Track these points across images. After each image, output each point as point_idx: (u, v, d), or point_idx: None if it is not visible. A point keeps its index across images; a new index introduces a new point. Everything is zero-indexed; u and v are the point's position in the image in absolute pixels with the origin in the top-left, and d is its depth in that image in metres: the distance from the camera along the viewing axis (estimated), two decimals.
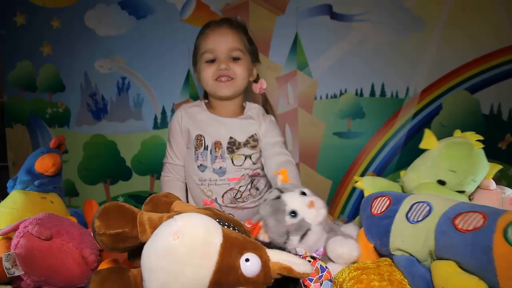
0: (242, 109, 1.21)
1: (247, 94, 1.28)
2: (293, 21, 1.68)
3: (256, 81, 1.22)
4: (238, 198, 1.13)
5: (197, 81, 1.24)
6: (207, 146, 1.12)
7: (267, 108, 1.28)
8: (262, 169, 1.16)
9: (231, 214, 1.13)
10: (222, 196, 1.13)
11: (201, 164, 1.13)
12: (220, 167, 1.11)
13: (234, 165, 1.12)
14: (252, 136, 1.14)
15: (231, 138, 1.13)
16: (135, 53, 1.71)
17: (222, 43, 1.10)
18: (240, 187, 1.12)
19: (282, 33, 1.68)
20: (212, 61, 1.11)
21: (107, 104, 1.74)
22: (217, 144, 1.12)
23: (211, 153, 1.12)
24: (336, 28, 1.67)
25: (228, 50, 1.10)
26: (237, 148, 1.12)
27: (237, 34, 1.13)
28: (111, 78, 1.73)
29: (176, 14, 1.70)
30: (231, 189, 1.12)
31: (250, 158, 1.13)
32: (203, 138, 1.13)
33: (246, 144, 1.13)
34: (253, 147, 1.14)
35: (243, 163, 1.13)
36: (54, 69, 1.74)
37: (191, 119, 1.17)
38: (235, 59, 1.11)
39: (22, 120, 1.76)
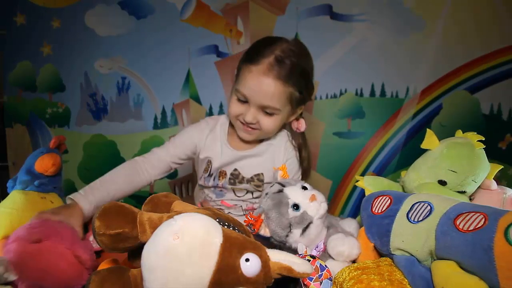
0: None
1: None
2: (293, 21, 1.68)
3: (297, 118, 1.09)
4: None
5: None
6: (212, 174, 1.07)
7: (301, 148, 1.11)
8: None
9: None
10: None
11: (201, 184, 1.12)
12: (221, 190, 1.08)
13: (236, 195, 1.08)
14: (258, 175, 1.06)
15: (235, 170, 1.06)
16: (135, 53, 1.71)
17: (259, 95, 0.95)
18: (229, 212, 1.08)
19: (282, 33, 1.65)
20: (243, 101, 0.99)
21: (107, 104, 1.74)
22: (222, 173, 1.07)
23: (214, 180, 1.07)
24: (336, 28, 1.67)
25: (262, 106, 0.97)
26: (240, 182, 1.06)
27: (282, 89, 0.95)
28: (111, 78, 1.73)
29: (176, 14, 1.70)
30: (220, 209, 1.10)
31: (252, 194, 1.08)
32: (211, 164, 1.07)
33: (250, 181, 1.06)
34: (257, 186, 1.06)
35: (244, 195, 1.08)
36: (54, 69, 1.73)
37: (210, 140, 1.10)
38: (267, 113, 0.98)
39: (22, 120, 1.76)
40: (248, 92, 0.96)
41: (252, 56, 0.98)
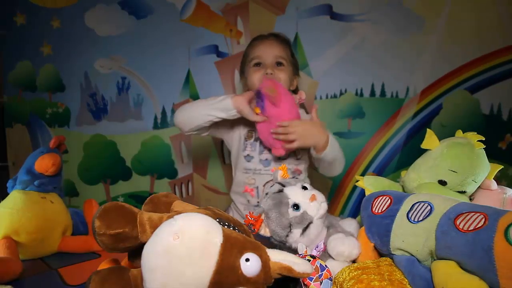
0: None
1: None
2: (293, 21, 1.68)
3: (295, 92, 1.30)
4: None
5: (244, 86, 1.32)
6: (257, 137, 1.20)
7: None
8: (305, 168, 1.25)
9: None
10: (264, 186, 1.19)
11: (248, 154, 1.21)
12: (266, 159, 1.20)
13: (279, 158, 1.18)
14: None
15: None
16: (135, 53, 1.72)
17: (269, 51, 1.23)
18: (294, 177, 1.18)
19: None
20: (258, 64, 1.23)
21: (107, 104, 1.74)
22: None
23: (260, 144, 1.20)
24: (336, 28, 1.67)
25: (274, 57, 1.22)
26: None
27: (282, 46, 1.26)
28: (111, 78, 1.73)
29: (176, 14, 1.70)
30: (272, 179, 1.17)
31: (294, 153, 1.21)
32: (253, 131, 1.22)
33: None
34: None
35: (288, 156, 1.20)
36: (54, 69, 1.74)
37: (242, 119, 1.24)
38: (279, 64, 1.22)
39: (22, 120, 1.76)
40: (260, 52, 1.23)
41: (251, 41, 1.30)
